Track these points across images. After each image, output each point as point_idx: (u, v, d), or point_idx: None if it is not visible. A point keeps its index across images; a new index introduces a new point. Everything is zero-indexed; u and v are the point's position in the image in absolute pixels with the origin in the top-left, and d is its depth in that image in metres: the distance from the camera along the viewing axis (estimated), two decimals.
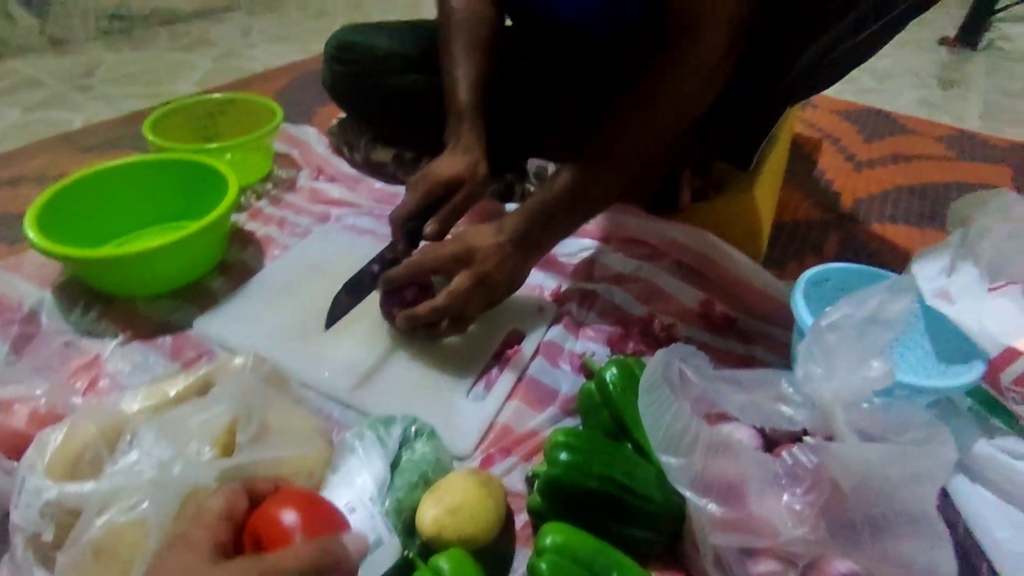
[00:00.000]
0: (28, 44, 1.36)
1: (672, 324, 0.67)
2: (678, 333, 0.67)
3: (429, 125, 0.78)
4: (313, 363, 0.60)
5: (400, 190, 0.87)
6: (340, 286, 0.64)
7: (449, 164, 0.64)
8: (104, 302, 0.68)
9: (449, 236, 0.64)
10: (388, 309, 0.61)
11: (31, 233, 0.63)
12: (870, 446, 0.42)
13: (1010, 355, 0.52)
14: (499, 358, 0.63)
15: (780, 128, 0.86)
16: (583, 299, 0.69)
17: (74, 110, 1.14)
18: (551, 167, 0.84)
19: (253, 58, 1.43)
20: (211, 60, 1.40)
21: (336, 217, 0.83)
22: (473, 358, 0.62)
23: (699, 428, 0.43)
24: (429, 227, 0.62)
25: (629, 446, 0.52)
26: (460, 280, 0.56)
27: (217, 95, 0.96)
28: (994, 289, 0.58)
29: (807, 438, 0.46)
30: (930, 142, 1.22)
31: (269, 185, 0.90)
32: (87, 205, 0.73)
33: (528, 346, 0.63)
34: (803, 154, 1.12)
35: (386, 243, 0.67)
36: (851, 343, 0.43)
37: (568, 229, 0.63)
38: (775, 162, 0.88)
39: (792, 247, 0.85)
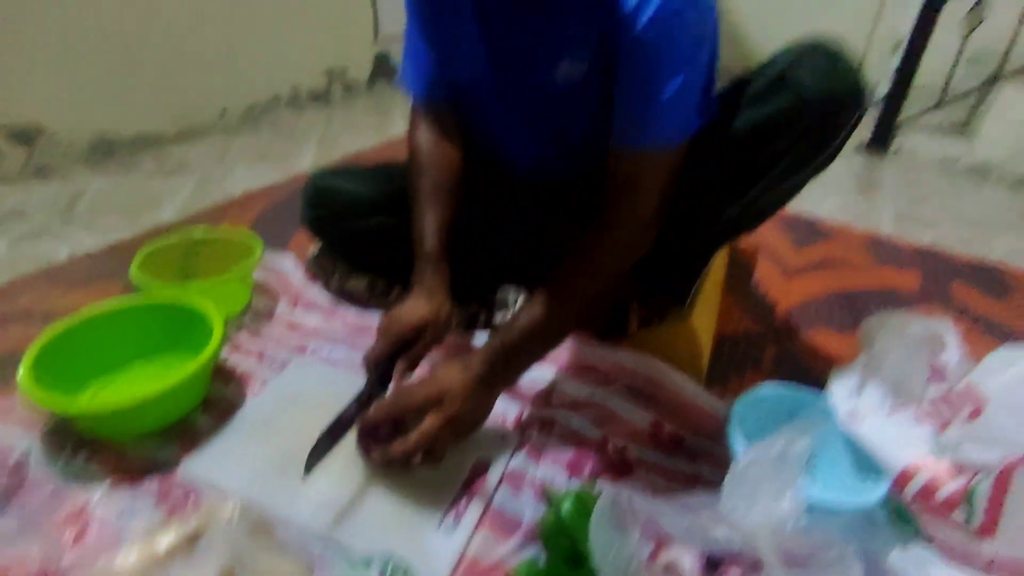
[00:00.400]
0: (13, 173, 1.43)
1: (625, 447, 0.74)
2: (630, 455, 0.74)
3: (399, 259, 0.87)
4: (294, 501, 0.65)
5: (372, 319, 0.95)
6: (317, 421, 0.69)
7: (415, 309, 0.71)
8: (91, 446, 0.71)
9: (421, 371, 0.71)
10: (365, 446, 0.67)
11: (26, 386, 0.68)
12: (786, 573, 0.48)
13: (907, 474, 0.60)
14: (467, 487, 0.68)
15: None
16: (543, 425, 0.76)
17: (59, 241, 1.19)
18: (511, 294, 0.93)
19: (232, 181, 1.52)
20: (192, 184, 1.48)
21: (312, 349, 0.89)
22: (443, 489, 0.67)
23: (641, 562, 0.49)
24: (398, 369, 0.69)
25: (589, 573, 0.58)
26: (431, 421, 0.63)
27: (198, 230, 1.03)
28: (893, 411, 0.67)
29: (734, 570, 0.52)
30: (851, 247, 1.36)
31: (248, 316, 0.96)
32: (78, 348, 0.78)
33: (493, 475, 0.69)
34: (742, 265, 1.24)
35: (359, 374, 0.74)
36: (766, 480, 0.51)
37: (528, 364, 0.71)
38: (712, 284, 0.98)
39: (733, 362, 0.95)
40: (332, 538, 0.62)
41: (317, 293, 1.01)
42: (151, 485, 0.67)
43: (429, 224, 0.78)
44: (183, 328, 0.83)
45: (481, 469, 0.70)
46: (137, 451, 0.71)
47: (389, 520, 0.64)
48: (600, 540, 0.54)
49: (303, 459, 0.66)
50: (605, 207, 0.69)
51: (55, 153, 1.50)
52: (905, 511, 0.63)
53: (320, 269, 1.03)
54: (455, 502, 0.67)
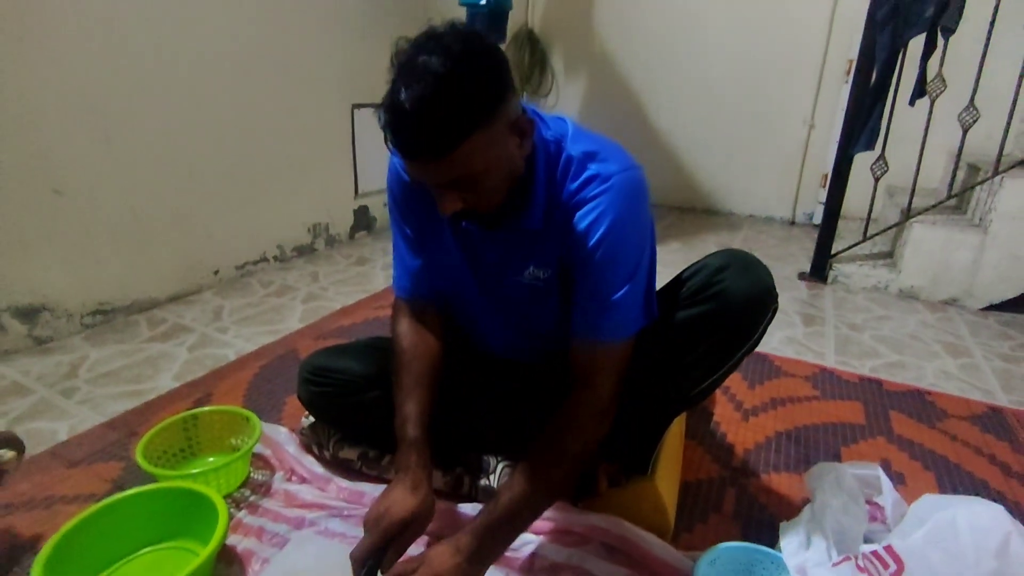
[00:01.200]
0: (14, 347, 1.51)
1: None
2: None
3: (389, 428, 0.95)
4: None
5: (365, 488, 1.02)
6: None
7: (401, 504, 0.77)
8: None
9: (413, 554, 0.78)
10: None
11: None
12: None
13: None
14: None
15: None
16: None
17: (59, 418, 1.25)
18: (492, 460, 1.02)
19: (225, 343, 1.62)
20: (187, 349, 1.57)
21: (310, 522, 0.95)
22: None
23: None
24: (386, 564, 0.75)
25: None
26: None
27: (198, 411, 1.11)
28: (837, 564, 0.76)
29: None
30: (799, 383, 1.49)
31: (247, 491, 1.02)
32: (87, 540, 0.83)
33: None
34: (701, 408, 1.35)
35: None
36: None
37: (512, 539, 0.79)
38: (674, 436, 1.08)
39: (697, 509, 1.03)
40: None
41: (311, 464, 1.08)
42: None
43: (411, 413, 0.86)
44: (189, 512, 0.89)
45: None
46: None
47: None
48: None
49: None
50: (569, 394, 0.80)
51: (55, 325, 1.59)
52: None
53: (313, 438, 1.11)
54: None
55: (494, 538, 0.76)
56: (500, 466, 1.00)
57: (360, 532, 0.92)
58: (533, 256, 0.86)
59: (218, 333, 1.68)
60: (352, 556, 0.76)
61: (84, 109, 1.57)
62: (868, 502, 0.93)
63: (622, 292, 0.78)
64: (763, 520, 1.00)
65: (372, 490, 1.01)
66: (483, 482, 1.00)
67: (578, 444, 0.78)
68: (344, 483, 1.03)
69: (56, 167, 1.53)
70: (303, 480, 1.05)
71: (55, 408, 1.30)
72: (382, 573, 0.75)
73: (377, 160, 2.61)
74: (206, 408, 1.13)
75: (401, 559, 0.77)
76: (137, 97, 1.68)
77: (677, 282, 0.88)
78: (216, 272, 2.02)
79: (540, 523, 0.92)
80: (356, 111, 2.44)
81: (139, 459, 0.97)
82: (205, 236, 1.96)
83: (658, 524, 0.91)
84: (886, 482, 0.93)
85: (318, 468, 1.07)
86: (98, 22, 1.56)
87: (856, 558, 0.76)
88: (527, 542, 0.89)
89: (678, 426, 1.14)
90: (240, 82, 1.97)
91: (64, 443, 1.17)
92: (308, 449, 1.12)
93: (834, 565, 0.76)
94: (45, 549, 0.78)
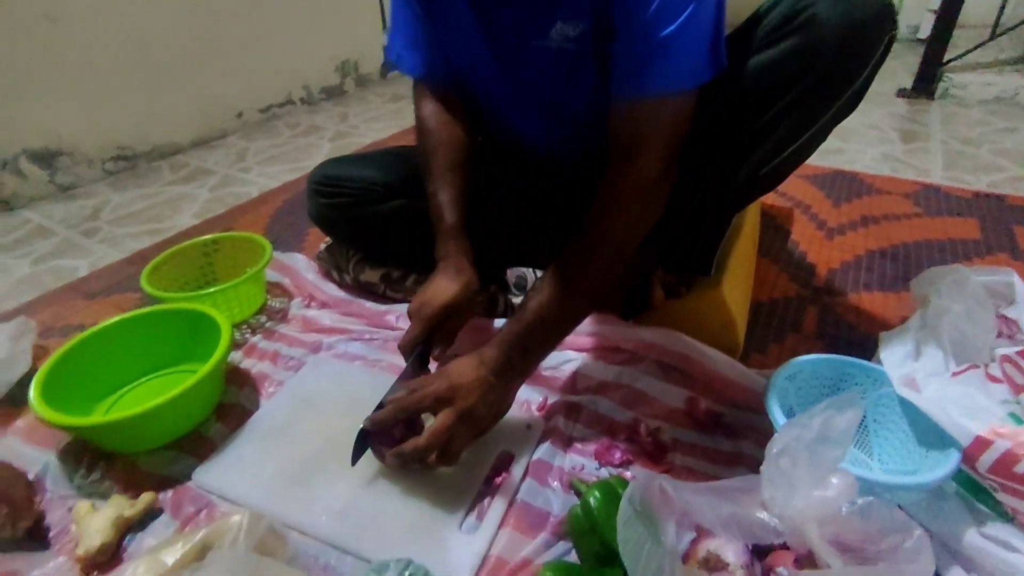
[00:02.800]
0: (38, 194, 1.45)
1: (658, 428, 0.69)
2: (664, 436, 0.68)
3: (414, 244, 0.83)
4: (309, 509, 0.62)
5: (387, 309, 0.91)
6: (331, 423, 0.70)
7: (444, 288, 0.69)
8: (106, 460, 0.70)
9: (434, 369, 0.68)
10: (378, 448, 0.63)
11: (37, 405, 0.66)
12: (845, 571, 0.42)
13: (980, 444, 0.53)
14: (490, 483, 0.64)
15: (743, 213, 0.90)
16: (569, 412, 0.71)
17: (80, 256, 1.20)
18: (529, 274, 0.88)
19: (248, 182, 1.51)
20: (208, 189, 1.48)
21: (327, 346, 0.86)
22: (464, 487, 0.63)
23: (674, 565, 0.44)
24: (437, 352, 0.69)
25: (621, 572, 0.53)
26: (442, 419, 0.59)
27: (208, 236, 1.01)
28: (958, 373, 0.60)
29: (781, 570, 0.46)
30: (897, 200, 1.26)
31: (263, 318, 0.94)
32: (90, 363, 0.77)
33: (517, 468, 0.65)
34: (776, 224, 1.16)
35: (376, 367, 0.71)
36: (804, 465, 0.45)
37: (545, 351, 0.66)
38: (745, 247, 0.91)
39: (771, 328, 0.87)
40: (348, 546, 0.59)
41: (331, 289, 0.98)
42: (164, 499, 0.65)
43: (446, 198, 0.75)
44: (197, 336, 0.81)
45: (505, 463, 0.66)
46: (150, 465, 0.69)
47: (408, 525, 0.60)
48: (627, 545, 0.48)
49: (316, 461, 0.64)
50: (608, 172, 0.63)
51: (76, 171, 1.52)
52: (980, 485, 0.56)
53: (332, 263, 1.00)
54: (477, 500, 0.63)
55: (525, 348, 0.63)
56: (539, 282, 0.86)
57: (381, 355, 0.84)
58: (560, 5, 0.64)
59: (241, 173, 1.57)
60: (399, 346, 0.69)
61: None
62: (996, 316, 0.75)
63: (676, 25, 0.56)
64: (853, 339, 0.84)
65: (397, 311, 0.90)
66: (519, 300, 0.87)
67: (620, 230, 0.62)
68: (367, 305, 0.93)
69: None
70: (323, 305, 0.96)
71: (77, 247, 1.24)
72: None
73: None
74: (215, 235, 1.03)
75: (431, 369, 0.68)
76: None
77: (752, 21, 0.65)
78: (240, 115, 1.87)
79: (583, 339, 0.79)
80: None
81: (144, 283, 0.89)
82: (223, 75, 1.79)
83: (725, 341, 0.77)
84: (1022, 288, 0.73)
85: (338, 293, 0.97)
86: None
87: (987, 366, 0.59)
88: (568, 359, 0.77)
89: (750, 233, 0.96)
90: None
91: (83, 278, 1.12)
92: (328, 275, 1.02)
93: (954, 375, 0.60)
94: (44, 368, 0.72)
